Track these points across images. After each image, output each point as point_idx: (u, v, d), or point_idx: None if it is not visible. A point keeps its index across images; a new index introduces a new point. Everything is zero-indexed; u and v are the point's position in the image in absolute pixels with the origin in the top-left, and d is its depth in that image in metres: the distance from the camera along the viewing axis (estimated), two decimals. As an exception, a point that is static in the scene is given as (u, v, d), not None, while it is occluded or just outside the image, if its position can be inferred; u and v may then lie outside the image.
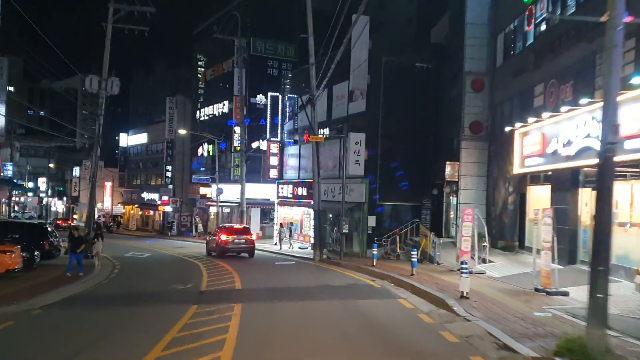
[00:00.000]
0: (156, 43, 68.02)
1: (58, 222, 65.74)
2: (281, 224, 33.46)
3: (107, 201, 67.41)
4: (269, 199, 39.61)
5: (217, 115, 46.45)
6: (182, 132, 47.53)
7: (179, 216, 51.21)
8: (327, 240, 28.57)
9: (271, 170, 35.15)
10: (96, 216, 67.39)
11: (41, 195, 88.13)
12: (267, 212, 42.12)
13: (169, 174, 52.27)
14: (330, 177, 28.69)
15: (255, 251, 27.27)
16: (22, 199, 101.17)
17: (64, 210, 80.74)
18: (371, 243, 24.73)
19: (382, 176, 26.29)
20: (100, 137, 28.39)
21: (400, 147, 26.58)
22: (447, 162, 23.68)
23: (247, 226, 29.59)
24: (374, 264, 19.76)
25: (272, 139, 35.17)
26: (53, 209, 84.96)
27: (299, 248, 30.74)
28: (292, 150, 34.36)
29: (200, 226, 47.79)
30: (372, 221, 25.78)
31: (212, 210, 45.09)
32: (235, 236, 25.68)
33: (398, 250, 23.31)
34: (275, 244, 32.34)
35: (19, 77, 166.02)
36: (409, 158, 26.66)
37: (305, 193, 31.37)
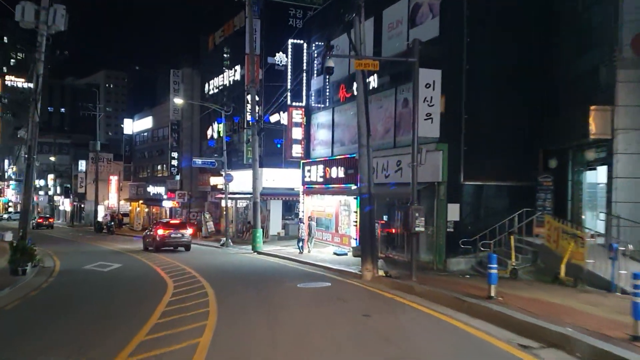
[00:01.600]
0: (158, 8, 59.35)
1: (39, 220, 57.41)
2: (310, 217, 24.00)
3: (113, 197, 59.16)
4: (292, 189, 30.21)
5: (227, 85, 37.24)
6: (178, 101, 38.64)
7: (187, 213, 42.29)
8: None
9: (294, 147, 25.67)
10: (102, 214, 59.47)
11: (50, 193, 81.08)
12: (291, 206, 32.70)
13: (174, 162, 43.38)
14: (380, 147, 19.05)
15: (272, 260, 19.46)
16: (35, 198, 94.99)
17: (72, 209, 73.12)
18: (454, 247, 15.10)
19: (470, 140, 16.42)
20: (40, 94, 19.22)
21: (494, 92, 16.70)
22: (591, 108, 13.67)
23: (184, 221, 30.68)
24: (492, 293, 9.93)
25: (294, 103, 25.67)
26: (61, 208, 77.54)
27: (335, 254, 21.19)
28: (322, 117, 24.80)
29: (210, 224, 38.74)
30: (454, 212, 16.00)
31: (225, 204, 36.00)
32: (172, 230, 26.13)
33: (512, 261, 13.49)
34: (300, 249, 22.95)
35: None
36: (508, 110, 16.72)
37: (342, 174, 21.83)
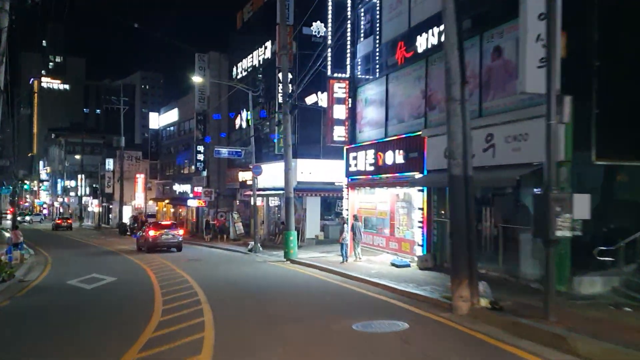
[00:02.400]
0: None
1: (58, 221, 55.34)
2: (355, 217, 18.90)
3: (140, 197, 55.46)
4: (332, 183, 25.26)
5: (257, 65, 32.49)
6: (198, 80, 34.34)
7: (214, 213, 37.81)
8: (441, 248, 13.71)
9: (335, 129, 20.56)
10: (127, 215, 55.89)
11: (79, 194, 78.50)
12: (330, 204, 27.71)
13: (200, 157, 38.97)
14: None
15: (309, 273, 15.85)
16: (66, 199, 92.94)
17: (100, 210, 70.09)
18: (584, 259, 9.78)
19: (604, 99, 10.94)
20: (6, 55, 14.63)
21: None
22: None
23: (175, 222, 31.50)
24: None
25: (336, 75, 20.56)
26: (90, 209, 74.75)
27: (393, 265, 15.99)
28: (371, 90, 19.61)
29: (239, 226, 34.12)
30: (582, 206, 10.46)
31: (253, 202, 31.37)
32: (163, 232, 26.39)
33: None
34: (344, 257, 17.90)
35: (79, 76, 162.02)
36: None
37: (400, 160, 16.60)
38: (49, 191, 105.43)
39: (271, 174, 27.97)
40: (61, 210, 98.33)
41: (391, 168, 17.11)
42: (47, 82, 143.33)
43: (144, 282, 15.36)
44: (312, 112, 26.45)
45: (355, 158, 19.92)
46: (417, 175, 15.55)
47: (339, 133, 20.56)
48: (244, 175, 34.34)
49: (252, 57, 33.06)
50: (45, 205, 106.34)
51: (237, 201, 37.46)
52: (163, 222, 29.88)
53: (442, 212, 15.15)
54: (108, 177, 63.67)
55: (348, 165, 20.48)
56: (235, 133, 36.78)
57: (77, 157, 69.93)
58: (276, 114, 26.13)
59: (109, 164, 64.12)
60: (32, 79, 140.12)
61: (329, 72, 20.61)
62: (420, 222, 15.80)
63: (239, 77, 35.54)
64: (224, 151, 27.45)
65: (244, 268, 18.66)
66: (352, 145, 20.32)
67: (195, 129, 39.43)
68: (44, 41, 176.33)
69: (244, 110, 33.91)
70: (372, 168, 18.49)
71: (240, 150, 27.50)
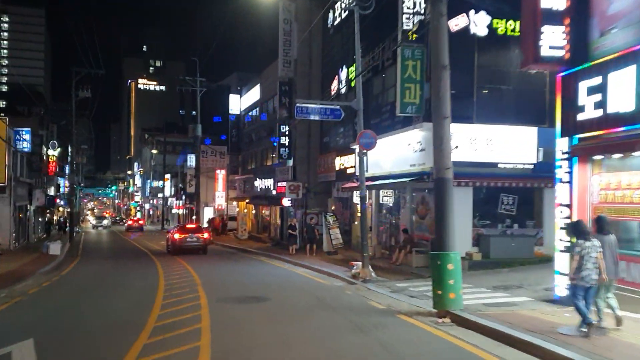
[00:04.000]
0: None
1: (130, 223, 56.52)
2: (600, 220, 7.79)
3: (220, 197, 47.19)
4: (495, 164, 14.36)
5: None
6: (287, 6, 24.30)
7: (302, 215, 27.98)
8: None
9: (545, 31, 9.60)
10: (206, 218, 47.78)
11: (165, 195, 72.75)
12: (491, 198, 16.57)
13: (284, 141, 29.32)
14: None
15: None
16: (154, 201, 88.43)
17: (184, 212, 63.35)
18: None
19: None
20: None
21: None
22: None
23: (200, 225, 31.44)
24: None
25: None
26: (174, 211, 68.40)
27: None
28: None
29: (336, 232, 23.96)
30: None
31: (361, 197, 21.23)
32: (187, 235, 26.06)
33: None
34: (583, 320, 6.93)
35: (173, 78, 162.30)
36: None
37: None
38: (138, 193, 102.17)
39: (383, 154, 17.61)
40: (151, 212, 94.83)
41: None
42: (143, 83, 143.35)
43: None
44: (458, 46, 15.59)
45: (596, 90, 8.85)
46: None
47: (553, 39, 9.55)
48: (343, 162, 24.12)
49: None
50: (138, 207, 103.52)
51: (332, 199, 27.34)
52: (188, 226, 29.50)
53: None
54: (190, 175, 56.46)
55: (570, 109, 9.43)
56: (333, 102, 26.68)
57: (154, 151, 63.30)
58: (400, 51, 15.53)
59: (191, 160, 56.89)
60: (129, 81, 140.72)
61: None
62: None
63: (336, 22, 25.40)
64: (314, 107, 16.98)
65: (352, 338, 8.17)
66: (583, 67, 9.27)
67: (279, 104, 29.84)
68: (144, 46, 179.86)
69: (344, 67, 23.72)
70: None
71: (337, 107, 17.09)
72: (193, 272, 18.32)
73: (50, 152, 47.96)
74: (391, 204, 20.92)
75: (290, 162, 29.78)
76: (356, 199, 21.59)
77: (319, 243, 24.11)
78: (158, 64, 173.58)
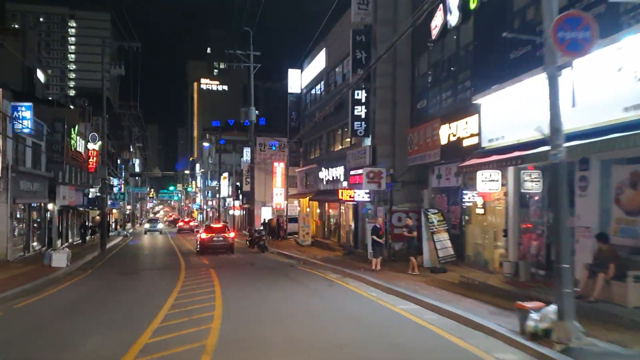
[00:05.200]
0: None
1: (181, 225, 55.48)
2: None
3: (279, 195, 39.84)
4: None
5: None
6: None
7: (385, 214, 19.87)
8: None
9: None
10: (262, 219, 40.22)
11: (223, 195, 66.56)
12: None
13: (360, 111, 21.26)
14: None
15: None
16: (212, 202, 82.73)
17: (242, 213, 56.72)
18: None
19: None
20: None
21: None
22: None
23: (227, 225, 32.85)
24: None
25: None
26: (231, 212, 61.86)
27: None
28: None
29: (443, 238, 15.75)
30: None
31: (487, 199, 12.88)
32: (214, 234, 26.45)
33: None
34: None
35: (244, 80, 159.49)
36: None
37: None
38: (197, 193, 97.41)
39: (516, 111, 9.23)
40: (210, 214, 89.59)
41: None
42: (206, 83, 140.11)
43: None
44: None
45: None
46: None
47: None
48: (457, 129, 15.76)
49: None
50: (199, 209, 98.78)
51: (429, 190, 19.04)
52: (214, 226, 29.57)
53: None
54: (246, 172, 49.65)
55: None
56: (432, 52, 18.37)
57: (206, 143, 57.14)
58: None
59: (246, 154, 50.17)
60: (193, 81, 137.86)
61: None
62: None
63: None
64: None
65: None
66: None
67: (352, 61, 21.80)
68: (208, 49, 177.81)
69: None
70: None
71: None
72: (219, 305, 10.75)
73: (91, 145, 42.51)
74: (538, 191, 12.42)
75: (368, 141, 21.74)
76: (484, 184, 13.20)
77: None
78: (222, 65, 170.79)
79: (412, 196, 20.88)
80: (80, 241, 34.82)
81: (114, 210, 59.21)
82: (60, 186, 31.09)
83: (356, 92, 21.27)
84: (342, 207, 25.66)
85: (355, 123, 21.38)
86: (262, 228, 31.55)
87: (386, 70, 21.14)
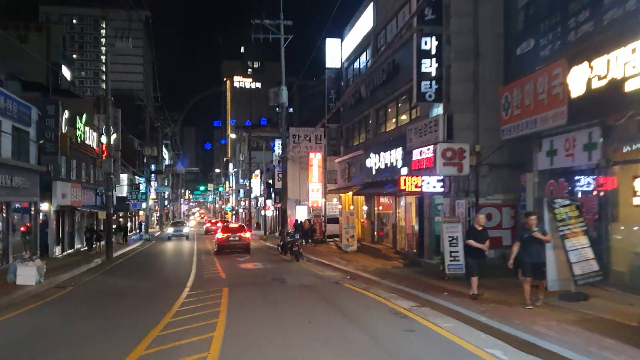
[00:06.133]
0: None
1: (208, 226, 51.33)
2: None
3: (316, 191, 34.08)
4: None
5: None
6: None
7: (468, 209, 13.86)
8: None
9: None
10: (296, 220, 34.44)
11: (255, 195, 61.36)
12: None
13: (427, 66, 15.27)
14: None
15: None
16: (244, 202, 77.54)
17: (274, 212, 51.30)
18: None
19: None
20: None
21: None
22: None
23: (243, 225, 33.52)
24: None
25: None
26: (262, 212, 56.45)
27: None
28: None
29: (580, 243, 9.66)
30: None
31: None
32: (230, 234, 26.30)
33: None
34: None
35: (279, 79, 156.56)
36: None
37: None
38: (228, 193, 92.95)
39: None
40: (244, 215, 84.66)
41: None
42: (239, 81, 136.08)
43: None
44: None
45: None
46: None
47: None
48: (606, 68, 9.53)
49: None
50: (232, 211, 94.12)
51: (534, 173, 12.88)
52: (231, 225, 30.20)
53: None
54: (278, 170, 44.12)
55: None
56: None
57: (232, 135, 51.99)
58: None
59: (278, 146, 44.73)
60: (225, 79, 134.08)
61: None
62: None
63: None
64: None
65: None
66: None
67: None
68: (242, 47, 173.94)
69: None
70: None
71: None
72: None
73: (104, 138, 37.77)
74: None
75: (439, 109, 15.69)
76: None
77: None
78: (256, 65, 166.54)
79: (503, 184, 14.82)
80: (87, 248, 29.82)
81: (141, 212, 54.59)
82: (57, 182, 26.18)
83: (423, 40, 15.27)
84: (400, 202, 19.64)
85: (423, 84, 15.38)
86: (294, 231, 25.86)
87: (465, 10, 15.09)
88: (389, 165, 19.96)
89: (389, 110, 21.65)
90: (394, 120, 21.09)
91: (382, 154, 20.85)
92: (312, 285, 14.54)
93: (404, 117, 20.10)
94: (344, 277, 16.27)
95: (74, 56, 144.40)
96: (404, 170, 18.06)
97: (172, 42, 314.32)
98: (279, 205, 40.89)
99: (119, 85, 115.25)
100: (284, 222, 29.69)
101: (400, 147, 18.59)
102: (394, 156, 19.36)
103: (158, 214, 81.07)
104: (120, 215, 53.66)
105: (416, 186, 15.27)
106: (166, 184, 76.16)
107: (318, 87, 46.64)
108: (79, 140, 31.18)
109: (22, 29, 58.48)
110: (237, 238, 25.87)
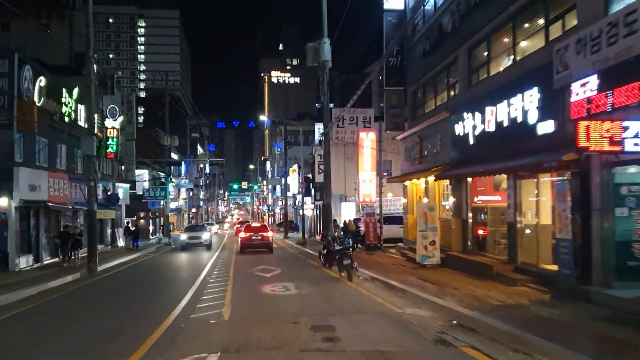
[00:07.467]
0: None
1: (237, 225, 50.68)
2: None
3: (368, 182, 26.00)
4: None
5: None
6: None
7: None
8: None
9: None
10: (341, 221, 26.20)
11: (294, 193, 53.77)
12: None
13: None
14: None
15: None
16: (281, 201, 69.98)
17: (316, 212, 43.61)
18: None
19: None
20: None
21: None
22: None
23: (264, 224, 32.71)
24: None
25: None
26: (301, 211, 48.61)
27: None
28: None
29: None
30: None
31: None
32: (252, 234, 26.44)
33: None
34: None
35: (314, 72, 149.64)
36: None
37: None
38: (265, 192, 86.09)
39: None
40: (281, 216, 77.20)
41: None
42: (277, 76, 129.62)
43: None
44: None
45: None
46: None
47: None
48: None
49: None
50: (270, 211, 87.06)
51: None
52: (253, 225, 30.94)
53: None
54: (318, 161, 36.34)
55: None
56: None
57: (263, 118, 44.34)
58: None
59: (318, 131, 37.14)
60: (262, 74, 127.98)
61: None
62: None
63: None
64: None
65: None
66: None
67: None
68: (280, 45, 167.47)
69: None
70: None
71: None
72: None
73: (109, 122, 31.00)
74: None
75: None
76: None
77: None
78: (295, 62, 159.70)
79: None
80: (61, 258, 22.12)
81: (170, 213, 47.47)
82: (21, 169, 19.26)
83: None
84: (533, 186, 11.52)
85: None
86: (343, 234, 17.69)
87: None
88: (507, 123, 11.86)
89: (496, 42, 13.55)
90: (505, 56, 12.99)
91: (488, 109, 12.75)
92: (392, 349, 6.76)
93: (522, 45, 12.04)
94: (445, 322, 8.45)
95: (110, 56, 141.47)
96: (545, 126, 10.02)
97: (208, 40, 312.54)
98: (320, 202, 33.11)
99: (156, 85, 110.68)
100: (327, 221, 21.76)
101: (535, 88, 10.52)
102: (519, 106, 11.26)
103: (191, 215, 74.72)
104: (142, 215, 47.14)
105: (612, 141, 7.19)
106: (195, 180, 69.63)
107: (362, 81, 38.98)
108: (66, 119, 24.38)
109: (44, 17, 54.74)
110: (259, 237, 26.09)
